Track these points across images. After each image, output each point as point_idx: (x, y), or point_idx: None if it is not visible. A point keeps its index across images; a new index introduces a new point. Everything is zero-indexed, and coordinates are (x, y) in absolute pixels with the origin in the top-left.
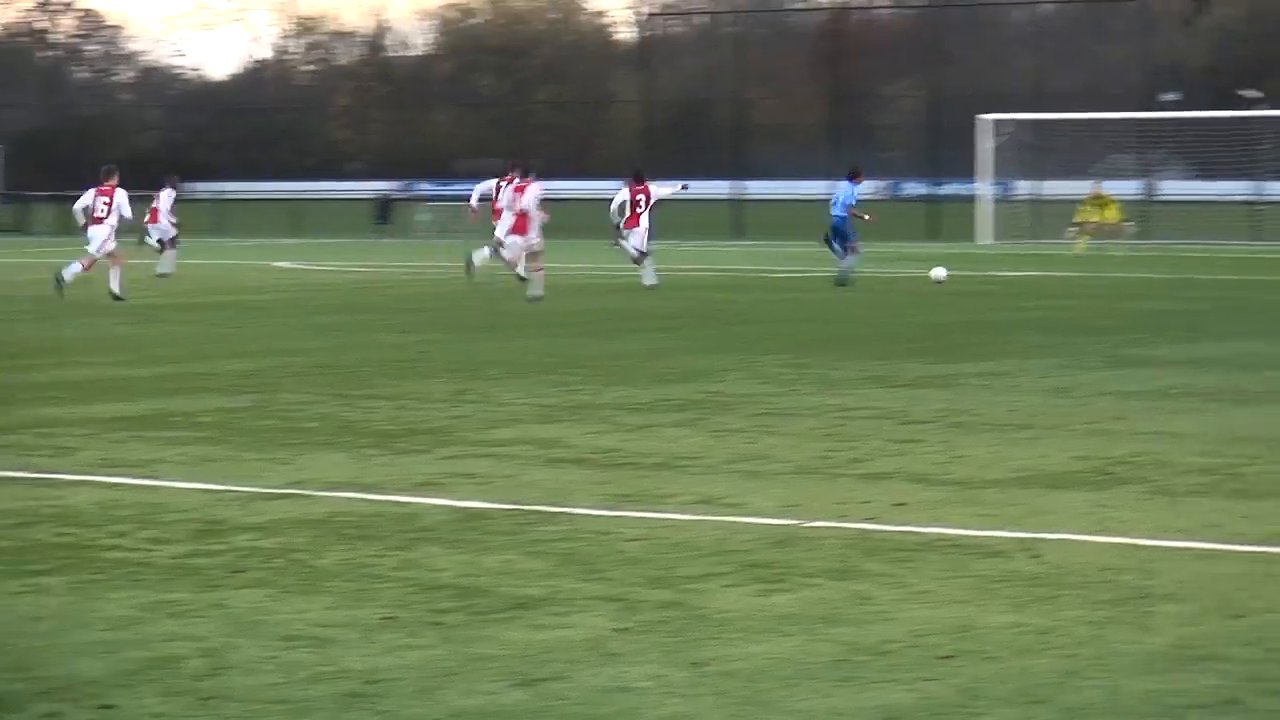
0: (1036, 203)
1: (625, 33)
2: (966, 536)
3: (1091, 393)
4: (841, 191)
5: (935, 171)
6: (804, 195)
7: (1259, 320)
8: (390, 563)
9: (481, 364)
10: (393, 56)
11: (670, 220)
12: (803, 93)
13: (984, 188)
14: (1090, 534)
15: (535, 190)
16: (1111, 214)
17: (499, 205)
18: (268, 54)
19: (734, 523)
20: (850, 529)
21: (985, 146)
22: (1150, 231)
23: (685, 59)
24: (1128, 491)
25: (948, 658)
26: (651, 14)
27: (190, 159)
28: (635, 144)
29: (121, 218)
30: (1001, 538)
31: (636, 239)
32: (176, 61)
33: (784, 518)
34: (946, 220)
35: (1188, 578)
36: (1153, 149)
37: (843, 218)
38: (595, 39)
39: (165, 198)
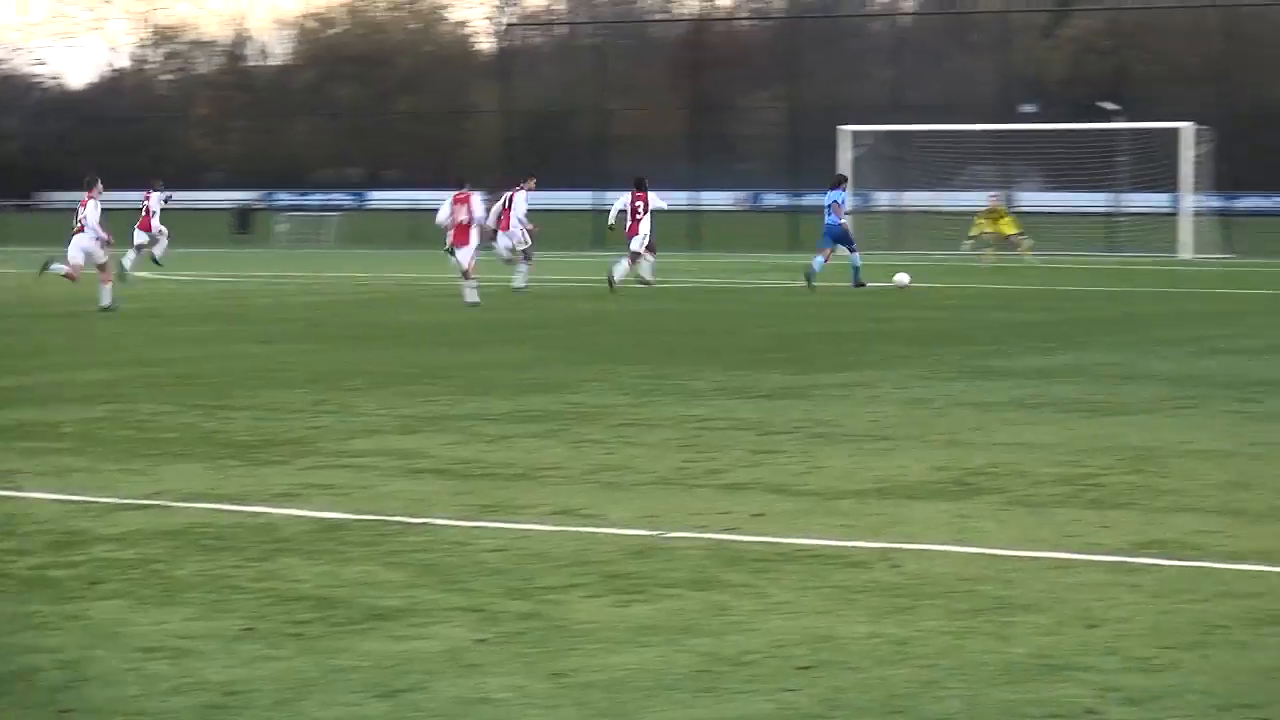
0: (896, 214)
1: (485, 43)
2: (826, 547)
3: (950, 403)
4: (830, 199)
5: (795, 183)
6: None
7: (1114, 332)
8: (249, 574)
9: (341, 375)
10: (252, 66)
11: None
12: (663, 103)
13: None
14: (949, 544)
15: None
16: (1006, 226)
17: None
18: (127, 63)
19: (593, 533)
20: (709, 540)
21: (845, 158)
22: (1008, 242)
23: (546, 69)
24: (986, 502)
25: (807, 668)
26: (511, 24)
27: (49, 168)
28: (496, 154)
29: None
30: (861, 548)
31: (636, 244)
32: (35, 70)
33: (643, 528)
34: (807, 231)
35: (1046, 588)
36: (1012, 160)
37: (838, 222)
38: (455, 49)
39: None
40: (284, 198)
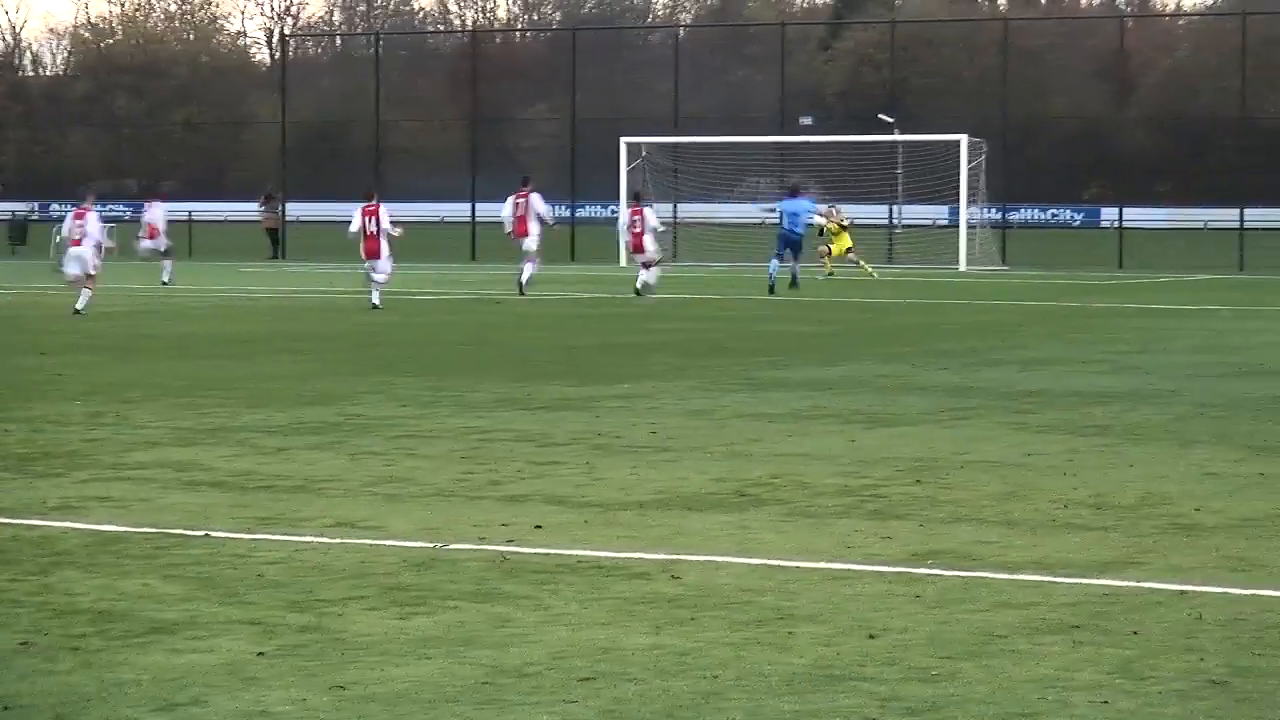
0: (674, 226)
1: (262, 53)
2: (607, 558)
3: (729, 414)
4: (802, 208)
5: (575, 195)
6: (447, 217)
7: (892, 343)
8: (26, 587)
9: (119, 386)
10: (26, 76)
11: (301, 243)
12: (442, 115)
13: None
14: (730, 555)
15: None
16: (844, 243)
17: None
18: None
19: (373, 545)
20: (490, 551)
21: (626, 169)
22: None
23: (323, 80)
24: (767, 512)
25: (588, 679)
26: (288, 35)
27: None
28: (273, 165)
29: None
30: (642, 559)
31: (649, 251)
32: None
33: (424, 540)
34: (584, 243)
35: (827, 598)
36: (791, 172)
37: (800, 233)
38: (232, 60)
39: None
40: (59, 209)
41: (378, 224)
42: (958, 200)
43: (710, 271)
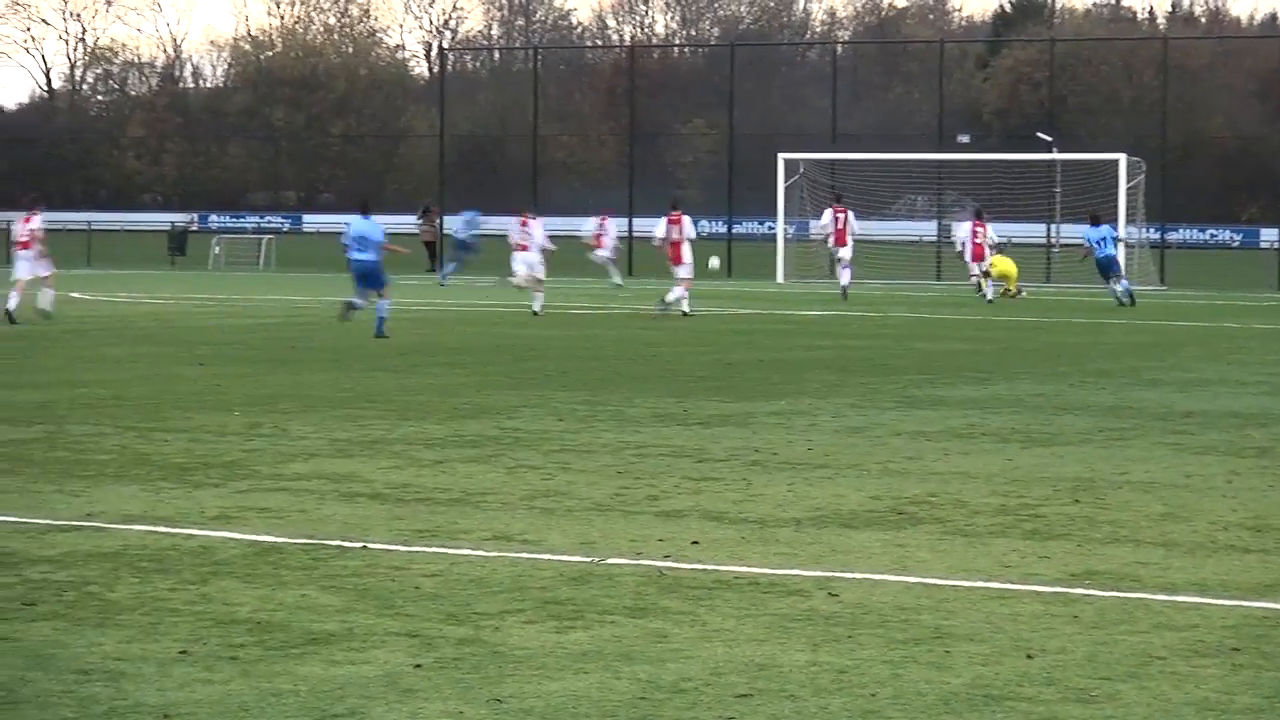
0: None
1: (421, 67)
2: (764, 575)
3: (886, 432)
4: (1104, 234)
5: (732, 211)
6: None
7: (1048, 362)
8: (185, 596)
9: (276, 398)
10: (187, 88)
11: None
12: (599, 130)
13: (781, 227)
14: (888, 573)
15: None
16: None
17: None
18: (60, 84)
19: (531, 559)
20: (647, 566)
21: (783, 186)
22: (942, 272)
23: (481, 94)
24: (924, 531)
25: (745, 696)
26: (446, 48)
27: None
28: (430, 179)
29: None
30: (799, 576)
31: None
32: None
33: (581, 555)
34: (742, 259)
35: (984, 618)
36: (947, 189)
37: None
38: (391, 73)
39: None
40: (218, 220)
41: (682, 232)
42: (1116, 220)
43: (866, 289)
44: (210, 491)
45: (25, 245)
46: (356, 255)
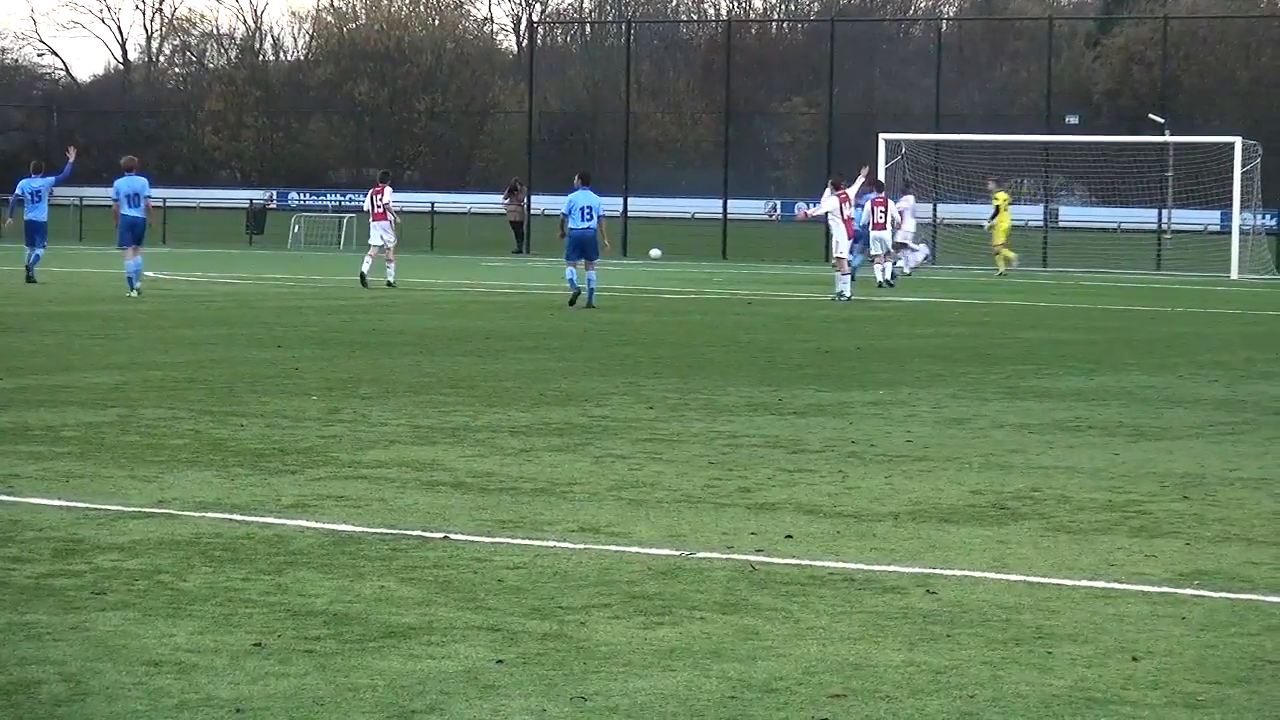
0: (933, 226)
1: (509, 41)
2: (859, 571)
3: (988, 424)
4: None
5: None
6: (698, 213)
7: (1157, 353)
8: (259, 587)
9: (355, 382)
10: (267, 60)
11: (547, 237)
12: (693, 107)
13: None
14: (988, 570)
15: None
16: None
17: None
18: (137, 55)
19: (618, 552)
20: (738, 560)
21: (884, 167)
22: (1049, 258)
23: (571, 69)
24: (1027, 527)
25: (839, 696)
26: (536, 22)
27: (54, 162)
28: (518, 157)
29: None
30: (896, 573)
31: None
32: (41, 61)
33: (670, 548)
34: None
35: (1088, 618)
36: (1054, 173)
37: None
38: (478, 47)
39: None
40: (298, 197)
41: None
42: (1230, 205)
43: (970, 275)
44: (286, 479)
45: (380, 216)
46: (578, 224)
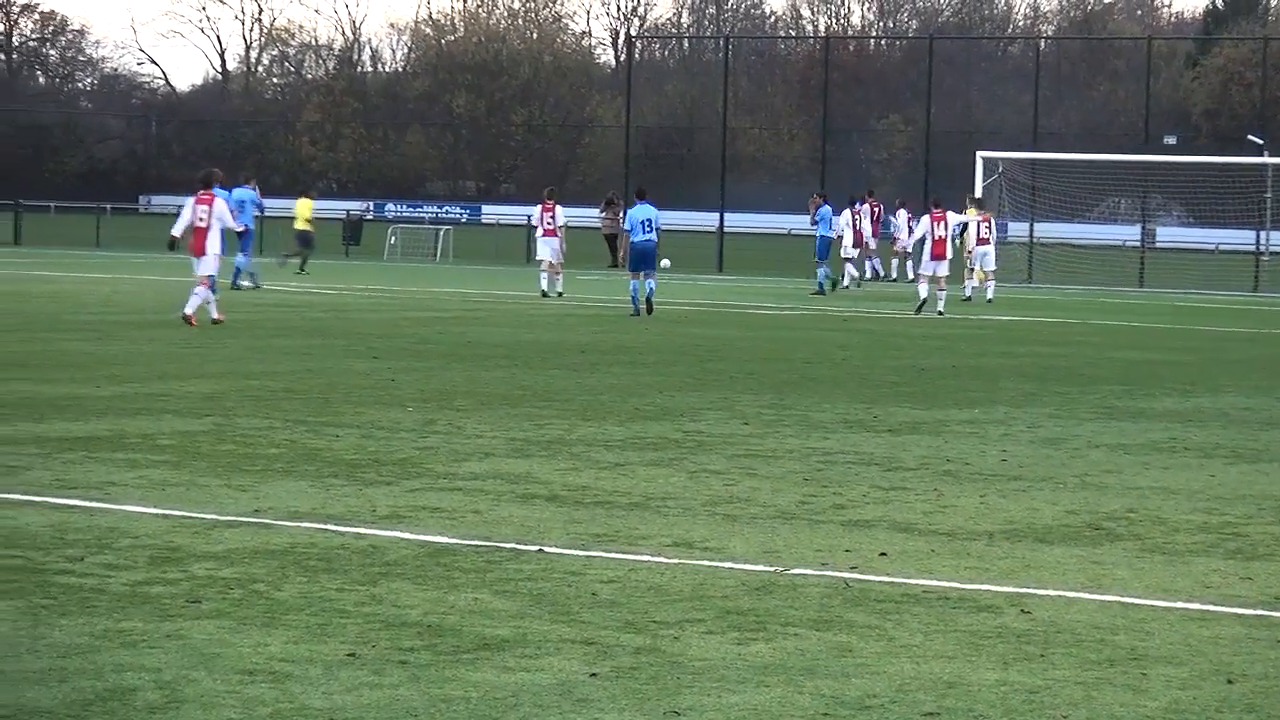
0: (1029, 245)
1: (607, 54)
2: (954, 589)
3: (1084, 444)
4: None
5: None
6: (794, 229)
7: (1256, 374)
8: (354, 597)
9: (451, 394)
10: (365, 72)
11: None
12: (790, 123)
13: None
14: (1083, 591)
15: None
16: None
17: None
18: (235, 65)
19: (712, 567)
20: (832, 577)
21: (981, 185)
22: (1145, 278)
23: (668, 84)
24: (1121, 548)
25: (933, 714)
26: (634, 36)
27: (151, 171)
28: (615, 171)
29: None
30: (990, 592)
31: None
32: (140, 70)
33: (764, 564)
34: None
35: (1183, 640)
36: (1151, 193)
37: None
38: (576, 61)
39: None
40: (394, 209)
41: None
42: None
43: (1066, 295)
44: (381, 489)
45: (550, 233)
46: (640, 236)
